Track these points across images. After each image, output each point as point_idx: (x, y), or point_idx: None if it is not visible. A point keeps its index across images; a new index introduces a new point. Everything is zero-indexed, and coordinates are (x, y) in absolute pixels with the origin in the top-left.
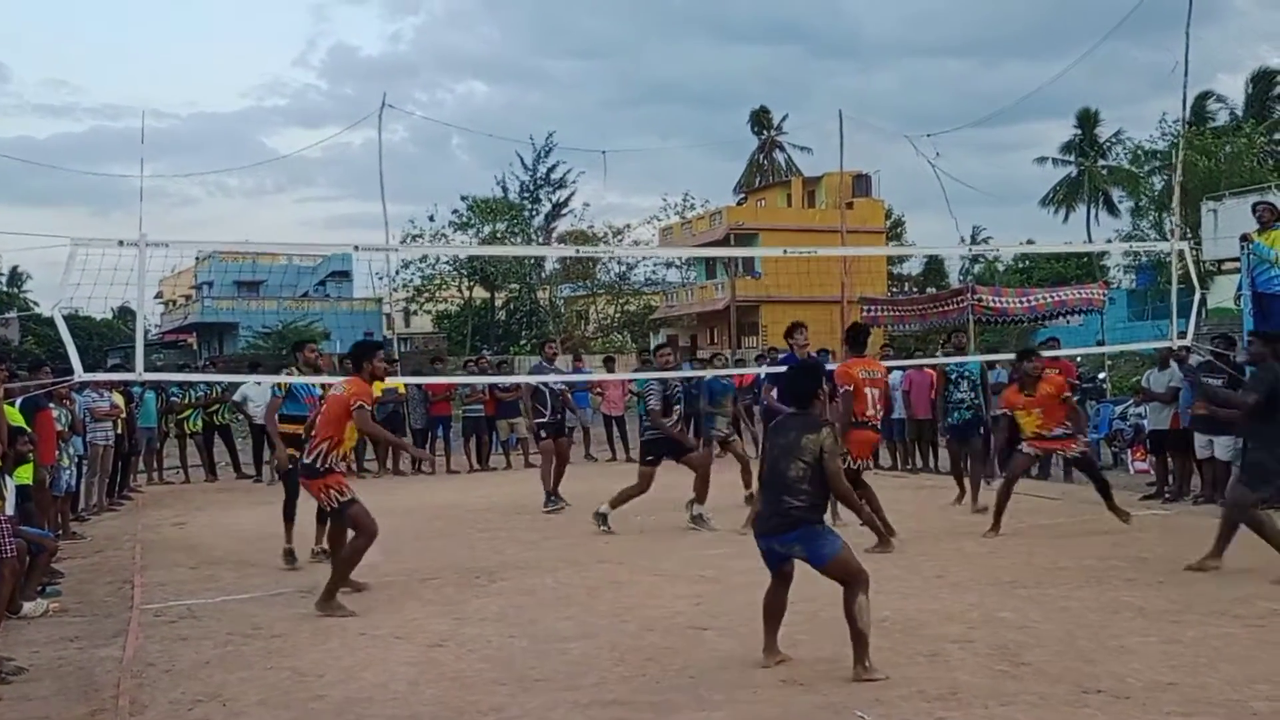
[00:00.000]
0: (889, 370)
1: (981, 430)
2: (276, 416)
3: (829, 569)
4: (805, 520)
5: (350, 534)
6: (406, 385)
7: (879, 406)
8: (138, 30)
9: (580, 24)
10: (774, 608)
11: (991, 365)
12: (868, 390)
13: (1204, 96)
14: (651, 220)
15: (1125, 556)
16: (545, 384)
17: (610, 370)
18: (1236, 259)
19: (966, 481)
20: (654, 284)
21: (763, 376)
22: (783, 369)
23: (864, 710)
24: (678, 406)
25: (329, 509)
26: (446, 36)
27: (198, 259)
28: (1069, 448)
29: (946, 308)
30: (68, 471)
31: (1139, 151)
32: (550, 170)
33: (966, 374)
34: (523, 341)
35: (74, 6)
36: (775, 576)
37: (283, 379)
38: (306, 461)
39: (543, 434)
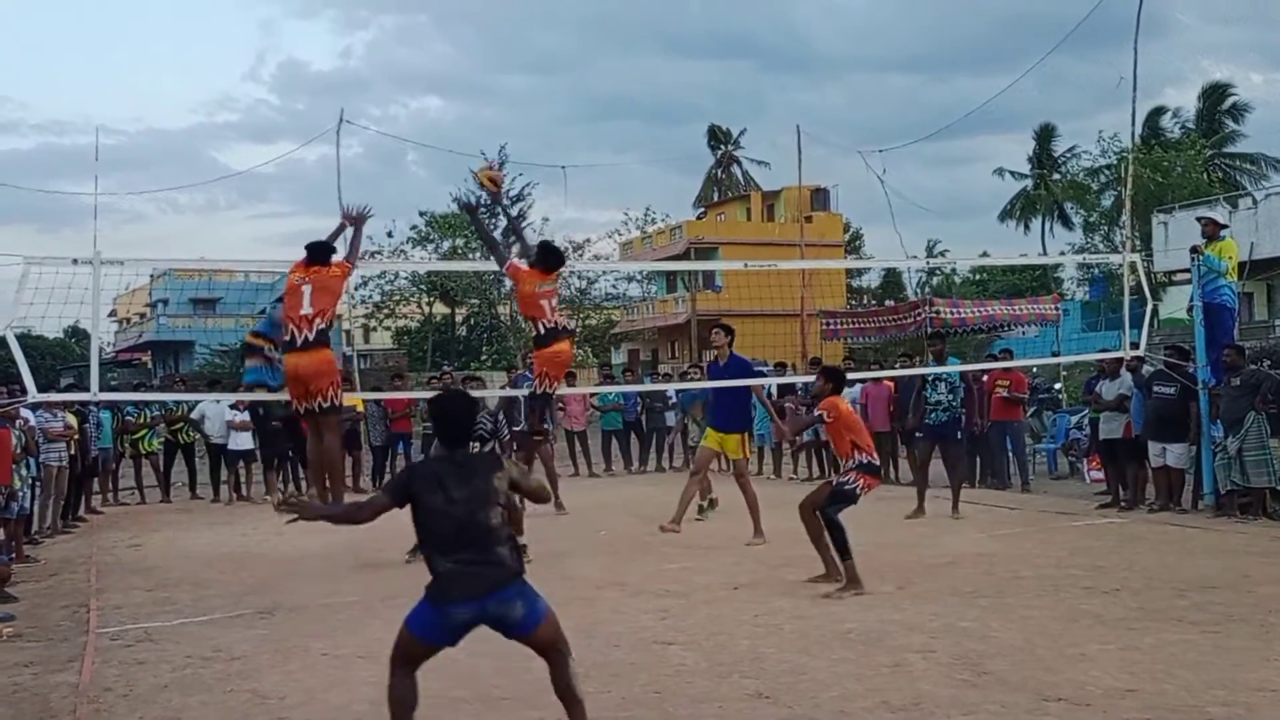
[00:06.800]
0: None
1: (959, 435)
2: None
3: (542, 630)
4: (519, 572)
5: None
6: (365, 402)
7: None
8: (84, 45)
9: (531, 40)
10: (409, 702)
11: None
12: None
13: (1157, 112)
14: (612, 235)
15: (1083, 565)
16: None
17: (571, 385)
18: (1187, 270)
19: (930, 495)
20: (614, 298)
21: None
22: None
23: None
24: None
25: None
26: (398, 52)
27: (152, 276)
28: None
29: (904, 320)
30: (22, 494)
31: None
32: None
33: (945, 376)
34: (484, 357)
35: (17, 21)
36: (412, 659)
37: (243, 396)
38: None
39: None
